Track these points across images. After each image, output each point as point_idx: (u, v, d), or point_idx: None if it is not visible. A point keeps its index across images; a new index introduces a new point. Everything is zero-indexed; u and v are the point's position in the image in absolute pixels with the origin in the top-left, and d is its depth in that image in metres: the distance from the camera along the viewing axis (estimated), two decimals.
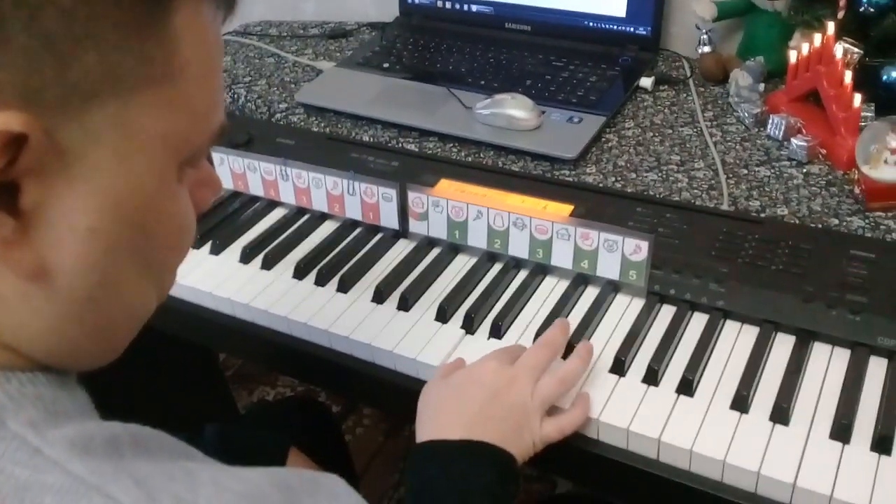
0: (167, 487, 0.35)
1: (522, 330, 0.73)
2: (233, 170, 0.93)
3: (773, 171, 0.90)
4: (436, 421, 0.63)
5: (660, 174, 0.91)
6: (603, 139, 0.99)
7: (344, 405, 1.68)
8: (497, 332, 0.73)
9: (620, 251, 0.74)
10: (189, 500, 0.34)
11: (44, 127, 0.33)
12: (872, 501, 0.55)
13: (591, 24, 1.15)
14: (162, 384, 1.32)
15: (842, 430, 0.60)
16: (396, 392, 0.73)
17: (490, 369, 0.63)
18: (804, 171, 0.89)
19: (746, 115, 0.97)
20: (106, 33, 0.34)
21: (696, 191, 0.88)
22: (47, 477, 0.33)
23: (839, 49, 0.88)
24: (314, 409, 1.05)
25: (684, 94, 1.07)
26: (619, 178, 0.91)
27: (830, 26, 0.88)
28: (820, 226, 0.81)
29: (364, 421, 1.65)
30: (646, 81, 1.07)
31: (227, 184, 0.94)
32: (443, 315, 0.75)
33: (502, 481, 0.58)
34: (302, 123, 1.08)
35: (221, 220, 0.91)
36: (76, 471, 0.34)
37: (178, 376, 1.34)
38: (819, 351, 0.68)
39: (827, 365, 0.66)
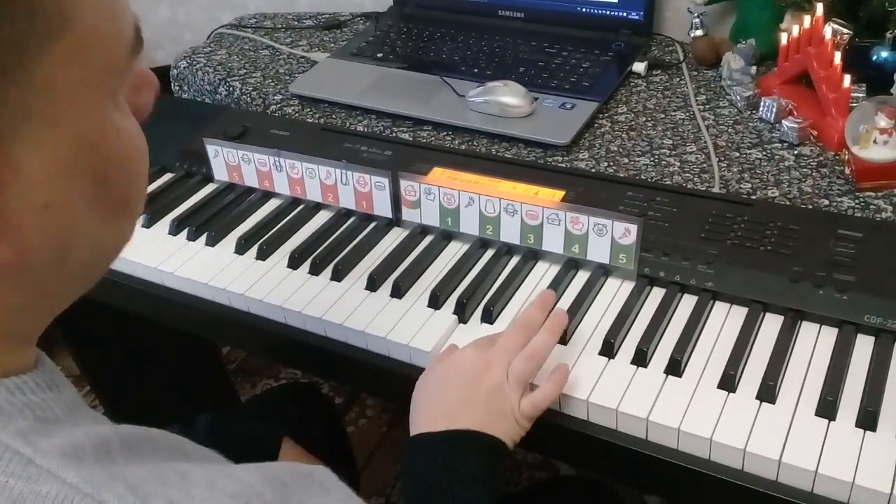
0: (160, 491, 0.35)
1: (514, 315, 0.74)
2: (227, 162, 0.94)
3: (764, 153, 0.90)
4: (422, 414, 0.64)
5: (652, 158, 0.92)
6: (596, 125, 0.99)
7: (346, 397, 1.69)
8: (489, 317, 0.74)
9: (610, 235, 0.74)
10: (182, 502, 0.35)
11: None
12: (857, 477, 0.56)
13: (583, 9, 1.15)
14: (164, 377, 1.33)
15: (827, 407, 0.60)
16: (391, 378, 0.74)
17: (467, 357, 0.65)
18: (795, 152, 0.90)
19: (738, 97, 0.98)
20: None
21: (687, 174, 0.88)
22: (42, 487, 0.33)
23: (828, 30, 0.88)
24: (312, 397, 1.06)
25: (677, 79, 1.07)
26: (612, 164, 0.92)
27: (820, 7, 0.89)
28: (811, 206, 0.81)
29: (367, 412, 1.66)
30: (639, 66, 1.07)
31: (222, 176, 0.95)
32: (435, 301, 0.76)
33: (488, 465, 0.59)
34: (296, 115, 1.09)
35: (217, 212, 0.92)
36: (70, 479, 0.34)
37: (179, 369, 1.36)
38: (807, 330, 0.68)
39: (814, 343, 0.67)
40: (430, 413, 0.63)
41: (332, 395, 1.69)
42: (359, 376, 0.80)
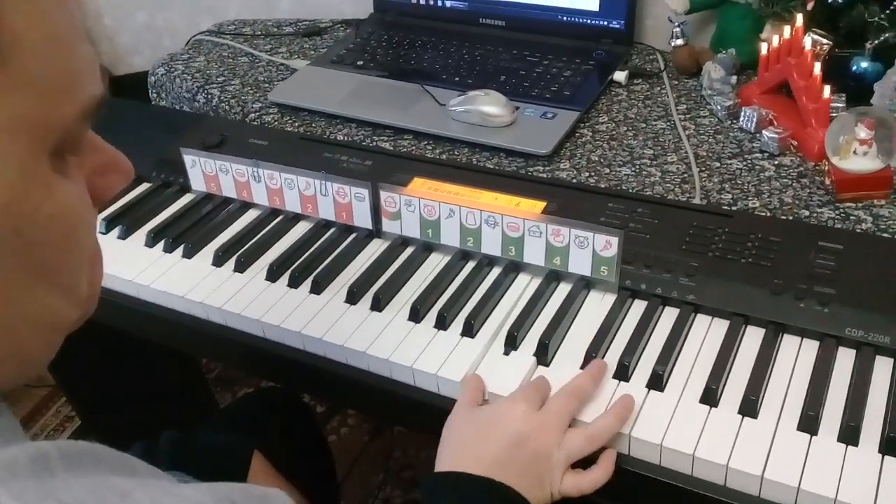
0: None
1: (495, 328, 0.73)
2: (205, 172, 0.92)
3: (745, 163, 0.90)
4: (458, 455, 0.62)
5: (633, 168, 0.91)
6: (577, 134, 0.99)
7: (328, 408, 1.68)
8: (469, 330, 0.73)
9: (591, 247, 0.74)
10: None
11: None
12: (839, 492, 0.56)
13: (564, 18, 1.15)
14: (142, 387, 1.31)
15: (809, 422, 0.60)
16: (370, 393, 0.73)
17: (518, 414, 0.61)
18: (776, 162, 0.90)
19: (719, 107, 0.98)
20: None
21: (668, 184, 0.88)
22: None
23: (808, 40, 0.88)
24: (291, 404, 1.04)
25: (658, 88, 1.07)
26: (593, 174, 0.92)
27: (799, 18, 0.89)
28: (791, 217, 0.81)
29: (348, 421, 1.65)
30: (620, 75, 1.07)
31: (200, 186, 0.94)
32: (416, 315, 0.75)
33: None
34: (276, 123, 1.08)
35: (194, 223, 0.90)
36: (2, 500, 0.32)
37: (157, 379, 1.34)
38: (788, 343, 0.68)
39: (796, 357, 0.67)
40: (466, 458, 0.61)
41: (313, 404, 1.68)
42: (338, 390, 0.79)
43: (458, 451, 0.62)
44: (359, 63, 1.16)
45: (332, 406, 1.67)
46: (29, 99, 0.33)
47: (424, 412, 0.71)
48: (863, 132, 0.80)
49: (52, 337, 0.40)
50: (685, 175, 0.89)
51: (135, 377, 1.30)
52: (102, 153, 0.41)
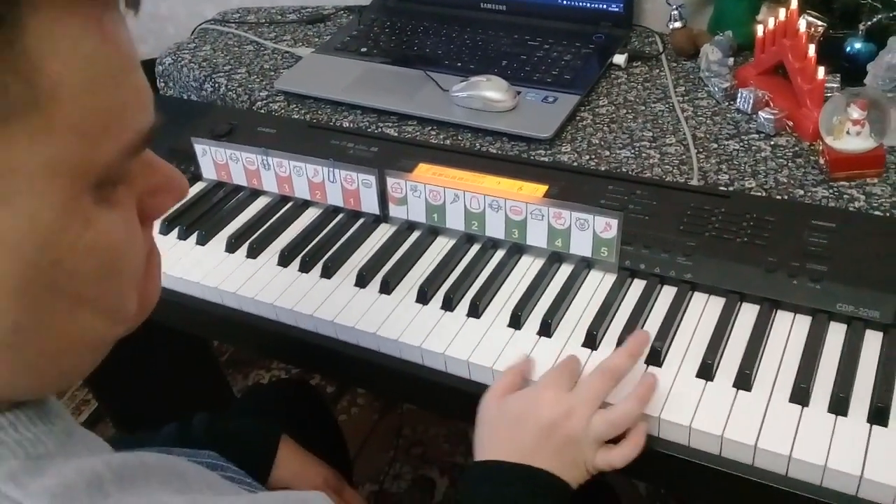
0: None
1: (500, 308, 0.76)
2: (215, 161, 0.95)
3: (741, 144, 0.92)
4: (492, 444, 0.64)
5: (633, 151, 0.94)
6: (578, 118, 1.01)
7: (338, 387, 1.72)
8: (475, 311, 0.76)
9: (592, 229, 0.77)
10: None
11: None
12: (829, 460, 0.59)
13: (564, 1, 1.17)
14: (158, 372, 1.35)
15: (801, 394, 0.63)
16: (381, 373, 0.77)
17: (548, 401, 0.63)
18: (772, 143, 0.92)
19: (716, 89, 1.00)
20: None
21: (667, 166, 0.90)
22: None
23: (802, 22, 0.90)
24: (305, 392, 1.08)
25: (657, 70, 1.09)
26: (594, 157, 0.94)
27: (794, 0, 0.90)
28: (786, 197, 0.83)
29: (358, 401, 1.69)
30: (619, 58, 1.09)
31: (211, 174, 0.97)
32: (423, 296, 0.78)
33: None
34: (283, 111, 1.10)
35: (206, 211, 0.93)
36: None
37: (173, 364, 1.37)
38: (782, 319, 0.71)
39: (789, 332, 0.69)
40: (501, 447, 0.63)
41: (323, 384, 1.71)
42: (350, 371, 0.82)
43: (493, 442, 0.64)
44: (362, 50, 1.18)
45: (342, 386, 1.71)
46: (67, 141, 0.33)
47: (433, 390, 0.74)
48: (855, 112, 0.83)
49: (96, 354, 0.41)
50: (683, 156, 0.91)
51: (148, 361, 1.33)
52: (156, 174, 0.41)
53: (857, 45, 0.92)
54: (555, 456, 0.62)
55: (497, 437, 0.64)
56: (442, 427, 1.59)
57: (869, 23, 0.90)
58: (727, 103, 0.99)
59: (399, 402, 1.64)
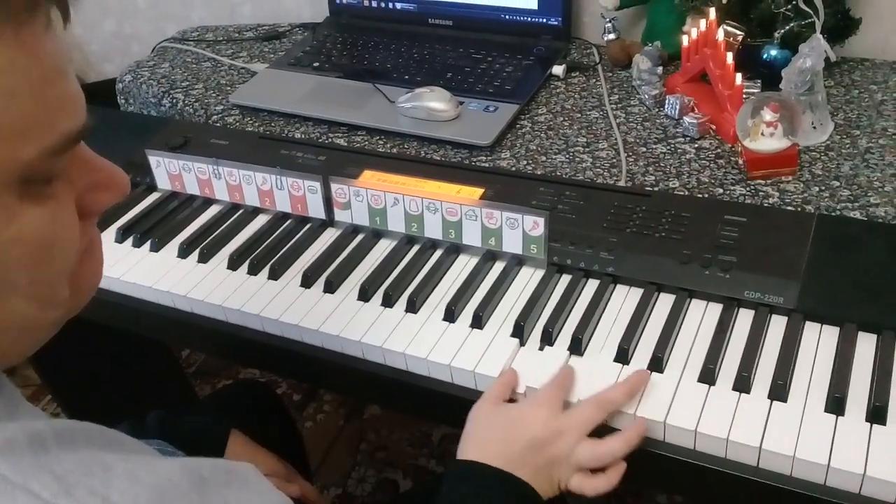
0: (84, 481, 0.38)
1: (435, 304, 0.80)
2: (169, 171, 0.99)
3: (668, 147, 0.98)
4: (481, 448, 0.67)
5: (567, 156, 0.99)
6: (517, 125, 1.06)
7: (305, 393, 1.75)
8: (412, 306, 0.80)
9: (521, 228, 0.81)
10: (102, 493, 0.38)
11: None
12: (731, 433, 0.63)
13: (506, 16, 1.22)
14: (125, 382, 1.37)
15: (707, 374, 0.68)
16: (324, 367, 0.81)
17: (541, 419, 0.66)
18: (696, 146, 0.97)
19: (647, 96, 1.05)
20: None
21: (598, 169, 0.96)
22: None
23: (721, 32, 0.96)
24: (265, 395, 1.11)
25: (594, 80, 1.15)
26: (531, 161, 0.99)
27: (713, 11, 0.96)
28: (706, 195, 0.89)
29: (325, 407, 1.72)
30: (558, 69, 1.15)
31: (165, 185, 1.00)
32: (364, 294, 0.82)
33: None
34: (237, 124, 1.14)
35: (160, 220, 0.97)
36: (1, 470, 0.36)
37: (139, 374, 1.40)
38: (695, 307, 0.76)
39: (701, 319, 0.74)
40: (487, 451, 0.66)
41: (290, 392, 1.75)
42: (294, 366, 0.86)
43: (481, 445, 0.67)
44: (315, 64, 1.23)
45: (309, 393, 1.74)
46: None
47: (372, 382, 0.78)
48: (768, 115, 0.88)
49: (35, 335, 0.44)
50: (614, 160, 0.97)
51: (117, 373, 1.37)
52: (95, 172, 0.44)
53: (773, 52, 0.98)
54: (536, 470, 0.65)
55: (486, 441, 0.67)
56: (405, 431, 1.63)
57: (783, 31, 0.96)
58: (657, 110, 1.05)
59: (361, 407, 1.68)
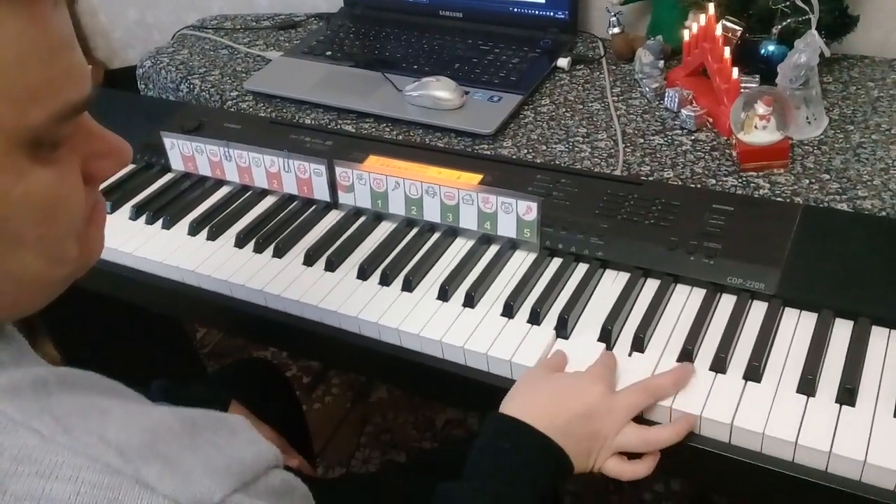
0: (81, 423, 0.41)
1: (431, 283, 0.83)
2: (183, 153, 1.03)
3: (665, 139, 1.00)
4: (527, 406, 0.67)
5: (567, 145, 1.02)
6: (520, 116, 1.09)
7: (314, 376, 1.79)
8: (408, 286, 0.83)
9: (515, 212, 0.84)
10: (98, 432, 0.41)
11: None
12: (705, 409, 0.66)
13: (515, 9, 1.25)
14: (139, 358, 1.42)
15: (685, 355, 0.71)
16: (323, 342, 0.84)
17: (595, 393, 0.67)
18: (693, 138, 1.00)
19: (647, 89, 1.08)
20: None
21: (596, 159, 0.98)
22: None
23: (719, 27, 0.98)
24: (270, 374, 1.15)
25: (598, 73, 1.17)
26: (531, 150, 1.02)
27: (712, 7, 0.98)
28: (699, 185, 0.91)
29: (332, 390, 1.76)
30: (563, 62, 1.17)
31: (178, 166, 1.05)
32: (363, 273, 0.86)
33: (551, 484, 0.65)
34: (251, 109, 1.18)
35: (173, 199, 1.01)
36: (5, 410, 0.39)
37: (151, 349, 1.45)
38: (679, 291, 0.78)
39: (684, 303, 0.77)
40: (533, 412, 0.66)
41: (300, 375, 1.79)
42: (296, 341, 0.89)
43: (526, 405, 0.68)
44: (328, 53, 1.26)
45: (318, 376, 1.78)
46: None
47: (369, 358, 0.82)
48: (761, 108, 0.90)
49: (45, 290, 0.46)
50: (612, 150, 0.99)
51: (124, 343, 1.41)
52: (99, 141, 0.46)
53: (771, 48, 1.00)
54: (577, 442, 0.66)
55: (534, 403, 0.67)
56: (410, 415, 1.66)
57: (780, 26, 0.98)
58: (657, 102, 1.07)
59: (368, 390, 1.71)
